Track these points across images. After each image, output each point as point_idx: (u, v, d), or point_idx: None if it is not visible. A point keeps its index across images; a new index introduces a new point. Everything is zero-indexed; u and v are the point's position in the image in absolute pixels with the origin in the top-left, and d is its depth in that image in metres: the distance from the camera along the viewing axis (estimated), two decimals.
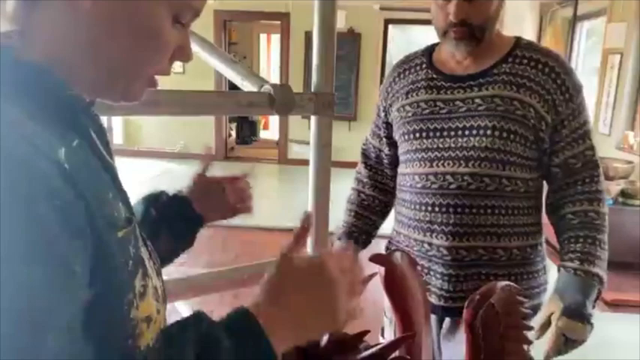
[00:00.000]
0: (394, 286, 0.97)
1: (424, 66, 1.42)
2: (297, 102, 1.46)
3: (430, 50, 1.45)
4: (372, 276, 1.29)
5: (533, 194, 1.36)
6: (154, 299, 0.68)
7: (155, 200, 0.98)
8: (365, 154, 1.61)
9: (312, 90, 1.55)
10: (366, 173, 1.60)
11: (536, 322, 1.30)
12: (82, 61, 0.60)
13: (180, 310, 1.95)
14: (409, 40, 8.66)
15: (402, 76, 1.46)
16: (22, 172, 0.47)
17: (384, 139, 1.53)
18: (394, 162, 1.51)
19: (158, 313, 0.69)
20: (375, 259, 0.97)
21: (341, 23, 7.45)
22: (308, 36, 7.25)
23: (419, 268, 0.99)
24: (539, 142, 1.30)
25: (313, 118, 1.56)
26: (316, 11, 1.49)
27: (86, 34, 0.59)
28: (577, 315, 1.23)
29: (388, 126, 1.50)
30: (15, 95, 0.54)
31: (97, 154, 0.63)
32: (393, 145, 1.50)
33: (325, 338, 0.94)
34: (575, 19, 5.79)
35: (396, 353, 0.92)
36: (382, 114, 1.52)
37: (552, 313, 1.25)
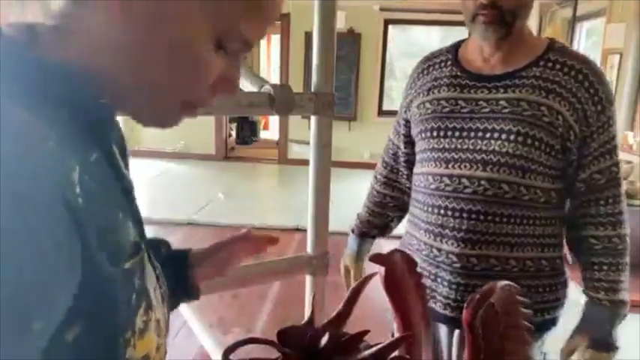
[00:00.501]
0: (393, 286, 0.96)
1: (449, 63, 1.36)
2: (297, 102, 1.46)
3: (457, 47, 1.39)
4: (372, 275, 1.29)
5: (555, 205, 1.28)
6: (155, 334, 0.63)
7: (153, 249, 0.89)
8: (385, 151, 1.58)
9: (312, 90, 1.55)
10: (382, 170, 1.57)
11: (551, 338, 1.31)
12: (117, 74, 0.54)
13: (181, 310, 1.94)
14: (409, 40, 8.66)
15: (425, 72, 1.40)
16: (19, 200, 0.40)
17: (402, 137, 1.48)
18: (411, 161, 1.45)
19: (157, 351, 0.63)
20: (375, 259, 0.97)
21: (341, 23, 7.44)
22: (308, 36, 7.24)
23: (418, 268, 0.98)
24: (566, 153, 1.22)
25: (313, 118, 1.56)
26: (316, 12, 1.49)
27: (125, 48, 0.53)
28: (604, 346, 1.22)
29: (407, 123, 1.44)
30: (33, 97, 0.48)
31: (114, 167, 0.59)
32: (410, 143, 1.45)
33: (325, 338, 0.94)
34: (574, 20, 5.79)
35: (396, 353, 0.92)
36: (402, 110, 1.47)
37: (578, 345, 1.24)
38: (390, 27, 8.01)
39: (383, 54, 8.03)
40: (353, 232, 1.61)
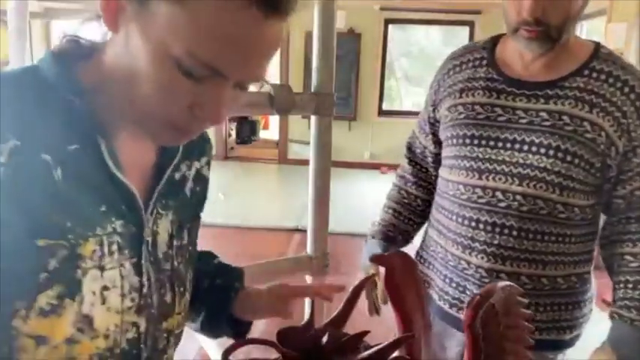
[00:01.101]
0: (394, 286, 0.96)
1: (484, 63, 1.26)
2: (297, 102, 1.46)
3: (493, 44, 1.28)
4: (371, 277, 1.28)
5: (589, 221, 1.23)
6: (72, 326, 0.64)
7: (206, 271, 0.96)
8: (410, 149, 1.47)
9: (312, 90, 1.56)
10: (410, 170, 1.46)
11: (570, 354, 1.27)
12: (118, 94, 0.64)
13: None
14: (409, 40, 8.66)
15: (457, 69, 1.30)
16: None
17: (430, 136, 1.39)
18: (438, 161, 1.37)
19: (69, 343, 0.64)
20: (376, 259, 0.97)
21: (341, 23, 7.44)
22: (308, 36, 7.23)
23: (419, 269, 0.98)
24: (605, 170, 1.16)
25: (313, 118, 1.57)
26: (316, 11, 1.49)
27: (121, 71, 0.63)
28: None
29: (435, 122, 1.36)
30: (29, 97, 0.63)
31: (97, 159, 0.66)
32: (438, 143, 1.37)
33: (325, 338, 0.94)
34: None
35: (396, 353, 0.92)
36: (430, 108, 1.37)
37: None
38: (390, 26, 8.02)
39: (383, 54, 8.03)
40: (373, 237, 1.46)
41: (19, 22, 1.09)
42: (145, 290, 0.72)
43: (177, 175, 0.80)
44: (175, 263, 0.79)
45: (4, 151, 0.58)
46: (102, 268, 0.66)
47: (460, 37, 7.44)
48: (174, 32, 0.56)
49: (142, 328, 0.73)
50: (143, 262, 0.72)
